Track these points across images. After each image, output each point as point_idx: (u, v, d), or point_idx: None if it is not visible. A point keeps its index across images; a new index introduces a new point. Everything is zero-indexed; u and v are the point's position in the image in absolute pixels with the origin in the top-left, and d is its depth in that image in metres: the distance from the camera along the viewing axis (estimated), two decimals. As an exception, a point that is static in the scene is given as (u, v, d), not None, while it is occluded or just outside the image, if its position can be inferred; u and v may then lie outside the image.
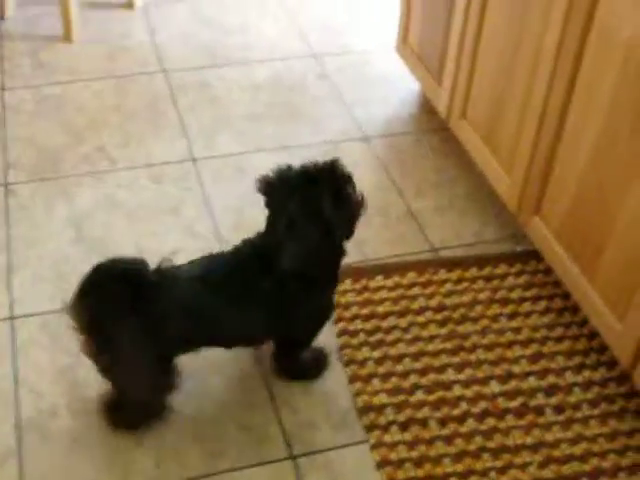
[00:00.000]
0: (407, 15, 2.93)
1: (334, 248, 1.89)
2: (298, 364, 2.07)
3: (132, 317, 1.74)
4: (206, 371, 2.11)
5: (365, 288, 2.32)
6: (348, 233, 1.88)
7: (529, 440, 1.99)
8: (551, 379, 2.13)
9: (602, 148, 1.98)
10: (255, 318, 1.89)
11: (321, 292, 1.95)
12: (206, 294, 1.83)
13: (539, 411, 2.06)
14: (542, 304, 2.32)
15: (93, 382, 2.01)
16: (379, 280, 2.35)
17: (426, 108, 3.01)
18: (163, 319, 1.77)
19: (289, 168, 1.83)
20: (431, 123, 2.97)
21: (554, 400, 2.08)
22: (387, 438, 1.99)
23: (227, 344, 1.99)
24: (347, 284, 2.31)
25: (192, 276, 1.84)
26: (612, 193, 1.97)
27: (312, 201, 1.77)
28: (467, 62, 2.55)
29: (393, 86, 3.16)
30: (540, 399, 2.08)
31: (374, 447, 1.97)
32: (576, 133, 2.07)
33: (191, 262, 1.90)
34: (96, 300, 1.73)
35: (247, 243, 1.92)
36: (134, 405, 1.94)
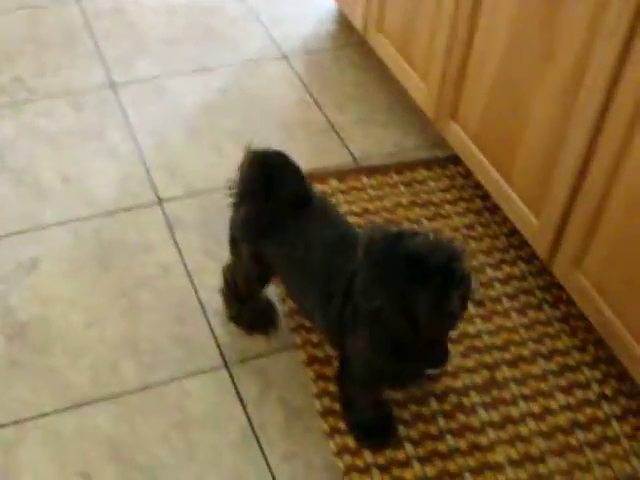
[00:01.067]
0: None
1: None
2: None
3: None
4: (138, 288, 2.12)
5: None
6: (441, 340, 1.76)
7: (451, 333, 2.03)
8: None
9: (513, 45, 2.02)
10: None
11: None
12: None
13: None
14: (462, 205, 2.37)
15: (25, 306, 2.02)
16: (302, 190, 2.36)
17: (343, 24, 3.02)
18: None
19: (399, 237, 1.53)
20: (349, 38, 2.99)
21: (477, 296, 2.13)
22: (313, 337, 2.03)
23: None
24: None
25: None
26: (523, 90, 2.02)
27: (409, 301, 1.50)
28: (379, -26, 2.56)
29: (310, 4, 3.17)
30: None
31: (301, 347, 2.01)
32: (487, 33, 2.11)
33: None
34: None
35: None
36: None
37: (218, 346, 2.02)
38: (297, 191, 1.77)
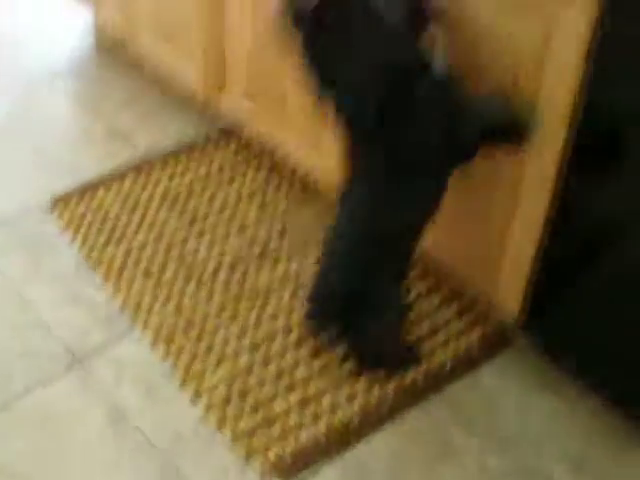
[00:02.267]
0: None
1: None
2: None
3: None
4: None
5: (91, 202, 2.44)
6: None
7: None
8: (277, 226, 2.39)
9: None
10: None
11: None
12: None
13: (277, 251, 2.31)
14: (254, 162, 2.58)
15: None
16: (101, 192, 2.48)
17: (105, 35, 3.11)
18: None
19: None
20: (113, 48, 3.09)
21: (286, 237, 2.35)
22: (154, 316, 2.15)
23: None
24: (73, 205, 2.44)
25: None
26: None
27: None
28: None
29: (68, 22, 3.26)
30: (275, 240, 2.35)
31: (145, 327, 2.13)
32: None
33: None
34: None
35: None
36: None
37: (64, 348, 2.09)
38: None
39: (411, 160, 1.68)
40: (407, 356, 2.04)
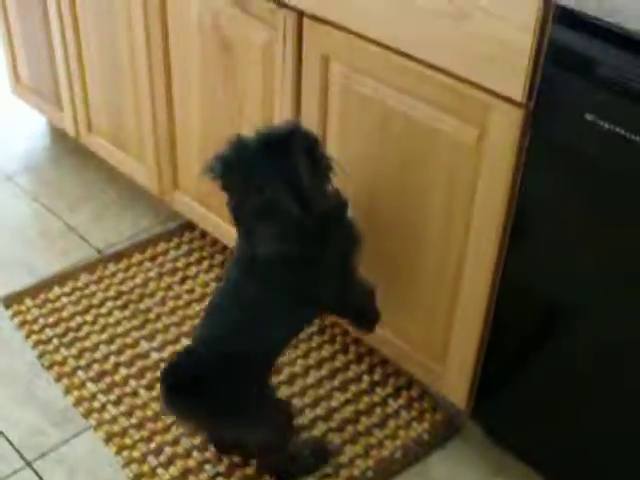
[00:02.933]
0: (12, 56, 3.09)
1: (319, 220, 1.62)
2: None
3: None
4: None
5: (46, 300, 2.47)
6: (329, 202, 1.68)
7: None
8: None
9: (208, 106, 2.29)
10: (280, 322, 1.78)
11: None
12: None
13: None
14: (205, 263, 2.60)
15: None
16: (56, 290, 2.51)
17: (58, 135, 3.20)
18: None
19: (241, 140, 1.58)
20: (66, 147, 3.16)
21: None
22: (106, 416, 2.15)
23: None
24: (27, 303, 2.46)
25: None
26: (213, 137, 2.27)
27: (288, 173, 1.53)
28: (77, 82, 2.77)
29: (22, 124, 3.31)
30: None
31: (97, 428, 2.13)
32: (183, 102, 2.37)
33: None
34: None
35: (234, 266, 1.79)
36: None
37: (14, 448, 2.09)
38: None
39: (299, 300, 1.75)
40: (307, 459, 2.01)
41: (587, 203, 1.59)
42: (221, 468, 2.03)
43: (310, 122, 1.97)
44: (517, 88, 1.56)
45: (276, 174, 1.53)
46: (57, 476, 2.04)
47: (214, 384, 1.71)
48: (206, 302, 2.32)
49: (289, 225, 1.55)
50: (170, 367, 1.77)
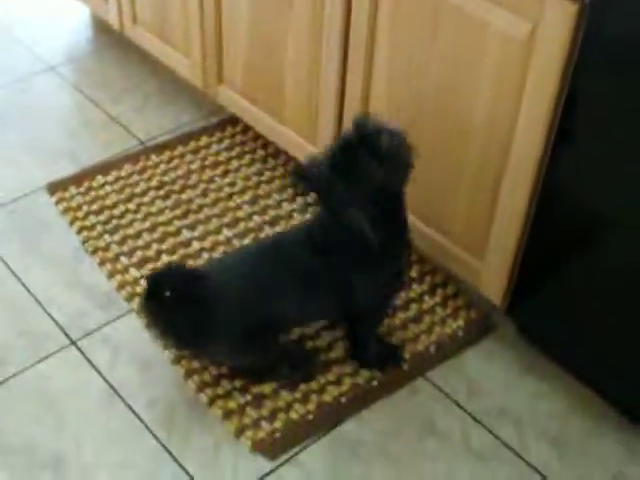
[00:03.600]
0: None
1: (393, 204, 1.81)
2: (369, 354, 2.07)
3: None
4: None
5: (89, 188, 2.51)
6: (403, 182, 1.80)
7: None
8: (272, 212, 2.44)
9: (254, 3, 2.28)
10: (314, 302, 1.91)
11: (382, 262, 1.87)
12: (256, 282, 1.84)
13: (268, 239, 2.35)
14: (247, 158, 2.63)
15: None
16: (100, 179, 2.55)
17: (102, 27, 3.21)
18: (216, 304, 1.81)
19: (315, 157, 1.76)
20: (110, 39, 3.18)
21: (279, 228, 2.39)
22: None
23: (298, 324, 2.05)
24: (71, 191, 2.50)
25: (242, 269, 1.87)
26: (275, 38, 2.28)
27: (356, 172, 1.70)
28: (123, -29, 2.76)
29: (66, 16, 3.32)
30: (268, 231, 2.39)
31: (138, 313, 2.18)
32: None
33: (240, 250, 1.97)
34: (159, 304, 1.78)
35: (303, 228, 1.91)
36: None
37: (61, 328, 2.15)
38: None
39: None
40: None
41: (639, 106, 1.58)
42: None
43: (361, 16, 1.97)
44: (574, -19, 1.55)
45: (350, 177, 1.70)
46: (101, 354, 2.11)
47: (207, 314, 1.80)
48: (247, 195, 2.37)
49: (375, 215, 1.73)
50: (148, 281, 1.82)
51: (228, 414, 1.95)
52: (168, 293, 1.76)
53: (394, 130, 1.72)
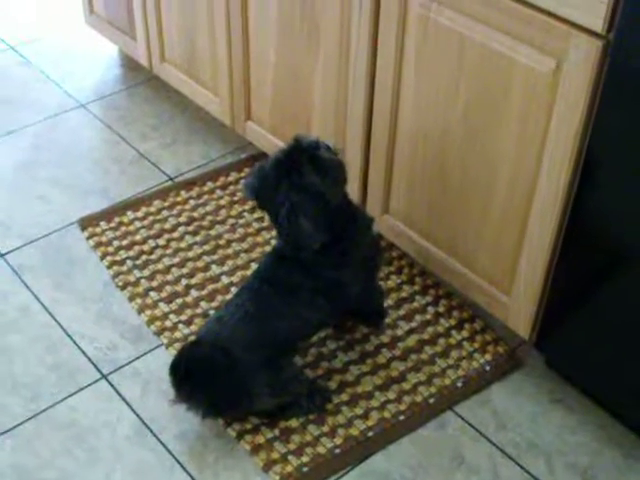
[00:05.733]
0: (87, -13, 3.15)
1: (339, 211, 1.89)
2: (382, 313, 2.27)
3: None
4: (4, 333, 2.27)
5: (120, 224, 2.55)
6: (340, 191, 1.91)
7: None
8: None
9: (283, 39, 2.32)
10: (310, 311, 1.97)
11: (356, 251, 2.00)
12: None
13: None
14: (275, 192, 2.64)
15: None
16: (130, 215, 2.58)
17: (130, 65, 3.26)
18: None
19: (262, 166, 1.87)
20: (138, 77, 3.23)
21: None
22: (177, 335, 2.23)
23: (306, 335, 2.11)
24: (102, 226, 2.54)
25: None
26: (301, 76, 2.32)
27: (296, 181, 1.80)
28: (152, 11, 2.81)
29: (94, 55, 3.39)
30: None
31: (168, 345, 2.21)
32: (259, 33, 2.40)
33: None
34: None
35: (269, 254, 2.03)
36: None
37: (91, 362, 2.18)
38: None
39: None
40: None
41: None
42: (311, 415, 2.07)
43: (387, 54, 2.00)
44: (598, 18, 1.57)
45: (291, 186, 1.80)
46: (131, 388, 2.13)
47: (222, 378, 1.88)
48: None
49: (318, 219, 1.82)
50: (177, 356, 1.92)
51: (256, 449, 1.96)
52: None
53: (331, 145, 1.86)
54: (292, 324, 1.95)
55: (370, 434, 2.00)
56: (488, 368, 2.15)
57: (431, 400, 2.08)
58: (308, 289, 1.92)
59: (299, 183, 1.79)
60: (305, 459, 1.94)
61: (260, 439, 1.98)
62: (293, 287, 1.92)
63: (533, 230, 1.89)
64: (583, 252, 1.84)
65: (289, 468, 1.93)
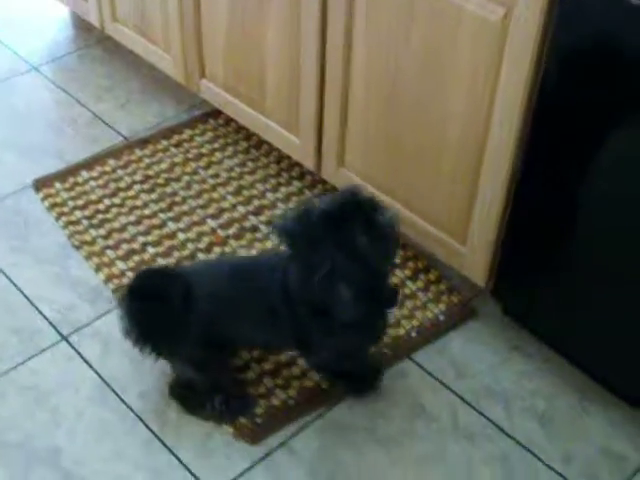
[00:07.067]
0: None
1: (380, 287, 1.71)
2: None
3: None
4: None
5: (75, 184, 2.54)
6: (390, 262, 1.77)
7: (253, 252, 2.33)
8: (256, 202, 2.47)
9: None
10: (272, 333, 1.89)
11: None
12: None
13: (254, 229, 2.40)
14: (230, 150, 2.66)
15: None
16: (85, 175, 2.57)
17: (82, 26, 3.22)
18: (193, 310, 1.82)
19: (308, 210, 1.64)
20: (90, 38, 3.20)
21: (263, 217, 2.43)
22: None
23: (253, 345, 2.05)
24: (57, 187, 2.53)
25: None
26: (254, 32, 2.30)
27: (345, 241, 1.59)
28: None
29: (46, 17, 3.35)
30: (252, 220, 2.42)
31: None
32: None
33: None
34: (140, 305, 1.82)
35: (270, 266, 1.84)
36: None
37: (51, 324, 2.17)
38: None
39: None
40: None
41: (614, 86, 1.60)
42: (267, 365, 2.09)
43: (338, 4, 1.99)
44: (545, -37, 1.57)
45: (338, 246, 1.58)
46: (92, 349, 2.13)
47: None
48: (231, 185, 2.40)
49: (359, 289, 1.62)
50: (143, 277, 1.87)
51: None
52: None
53: (390, 210, 1.68)
54: (248, 331, 1.90)
55: (324, 386, 2.02)
56: (442, 318, 2.17)
57: (385, 350, 2.09)
58: (285, 319, 1.80)
59: (348, 245, 1.58)
60: (259, 411, 1.96)
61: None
62: (271, 310, 1.80)
63: (486, 179, 1.90)
64: (536, 199, 1.86)
65: (243, 420, 1.94)
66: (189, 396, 1.97)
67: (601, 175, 1.70)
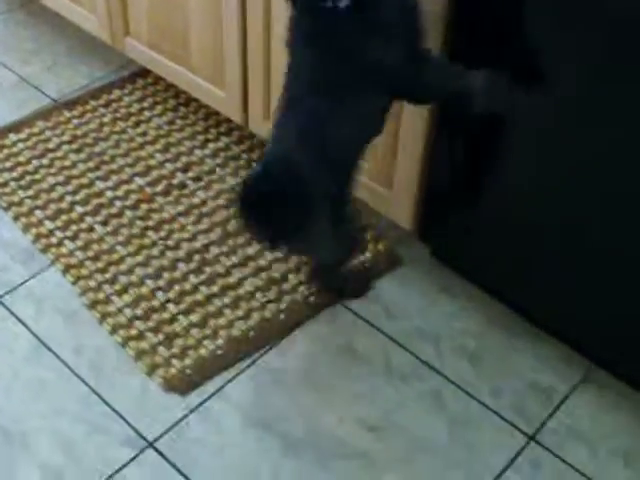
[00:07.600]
0: None
1: None
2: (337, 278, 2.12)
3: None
4: None
5: (2, 147, 2.51)
6: None
7: (180, 208, 2.35)
8: (184, 159, 2.49)
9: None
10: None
11: None
12: None
13: (182, 185, 2.41)
14: (158, 108, 2.66)
15: None
16: (12, 137, 2.55)
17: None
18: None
19: None
20: (14, 1, 3.17)
21: (191, 174, 2.44)
22: (63, 250, 2.24)
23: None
24: (-17, 151, 2.50)
25: None
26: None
27: None
28: None
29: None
30: (180, 177, 2.43)
31: (54, 261, 2.21)
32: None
33: None
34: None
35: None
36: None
37: (-17, 286, 2.17)
38: None
39: (365, 74, 1.66)
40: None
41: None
42: (171, 294, 2.13)
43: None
44: None
45: None
46: (25, 309, 2.13)
47: (283, 204, 1.68)
48: (159, 144, 2.40)
49: None
50: (244, 187, 1.72)
51: (140, 354, 2.00)
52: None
53: None
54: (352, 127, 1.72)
55: (251, 334, 2.05)
56: (367, 265, 2.20)
57: (311, 299, 2.13)
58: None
59: None
60: (188, 362, 1.99)
61: (144, 345, 2.02)
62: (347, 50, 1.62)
63: (406, 122, 1.92)
64: (456, 137, 1.89)
65: (172, 371, 1.97)
66: (330, 278, 2.06)
67: (524, 102, 1.72)
